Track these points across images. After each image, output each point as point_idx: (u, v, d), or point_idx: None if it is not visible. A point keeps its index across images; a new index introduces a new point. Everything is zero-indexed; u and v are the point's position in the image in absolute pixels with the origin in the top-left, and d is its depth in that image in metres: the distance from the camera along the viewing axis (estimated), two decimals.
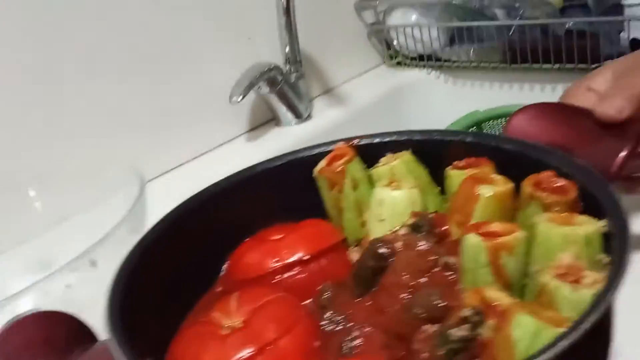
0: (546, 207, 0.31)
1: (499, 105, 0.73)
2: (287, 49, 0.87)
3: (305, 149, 0.44)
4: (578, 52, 0.80)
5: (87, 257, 0.36)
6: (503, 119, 0.73)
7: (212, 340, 0.31)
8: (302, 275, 0.37)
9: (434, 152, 0.41)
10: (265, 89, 0.84)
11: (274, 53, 0.88)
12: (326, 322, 0.34)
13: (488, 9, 0.98)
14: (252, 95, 0.86)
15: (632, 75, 0.40)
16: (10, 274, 0.45)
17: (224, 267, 0.41)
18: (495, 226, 0.30)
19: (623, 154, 0.34)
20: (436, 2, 0.98)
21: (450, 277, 0.31)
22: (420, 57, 1.03)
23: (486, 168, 0.36)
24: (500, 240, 0.29)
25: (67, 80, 0.71)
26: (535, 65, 0.87)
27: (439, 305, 0.29)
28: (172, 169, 0.82)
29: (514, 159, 0.37)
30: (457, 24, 0.97)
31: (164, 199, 0.64)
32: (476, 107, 0.98)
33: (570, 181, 0.32)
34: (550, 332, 0.24)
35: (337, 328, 0.33)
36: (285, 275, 0.37)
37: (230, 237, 0.42)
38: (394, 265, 0.32)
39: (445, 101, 1.04)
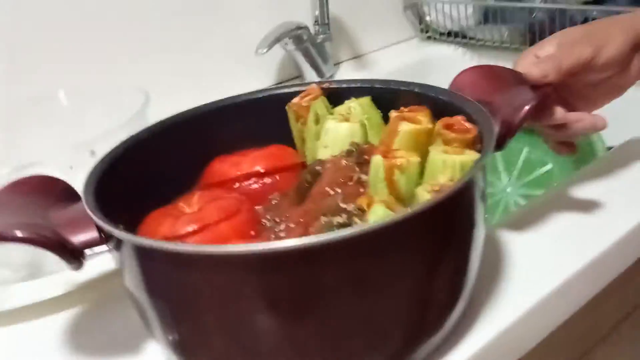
0: (447, 142, 0.38)
1: None
2: (317, 12, 0.94)
3: (285, 86, 0.51)
4: None
5: (89, 146, 0.45)
6: None
7: (169, 218, 0.40)
8: (257, 185, 0.45)
9: (390, 98, 0.48)
10: (291, 45, 0.92)
11: (305, 15, 0.95)
12: (266, 220, 0.42)
13: None
14: (280, 52, 0.94)
15: (570, 47, 0.45)
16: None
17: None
18: (400, 153, 0.37)
19: (526, 107, 0.39)
20: None
21: (360, 190, 0.38)
22: (450, 34, 1.07)
23: (421, 113, 0.43)
24: (394, 160, 0.36)
25: (106, 26, 0.80)
26: None
27: (340, 207, 0.36)
28: None
29: (444, 107, 0.43)
30: (488, 3, 1.00)
31: None
32: None
33: (474, 125, 0.38)
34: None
35: (275, 225, 0.41)
36: (244, 183, 0.45)
37: (213, 154, 0.50)
38: (321, 178, 0.40)
39: None
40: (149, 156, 0.45)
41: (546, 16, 0.91)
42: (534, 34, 0.91)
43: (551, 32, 0.91)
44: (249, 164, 0.45)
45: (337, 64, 1.04)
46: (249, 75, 0.95)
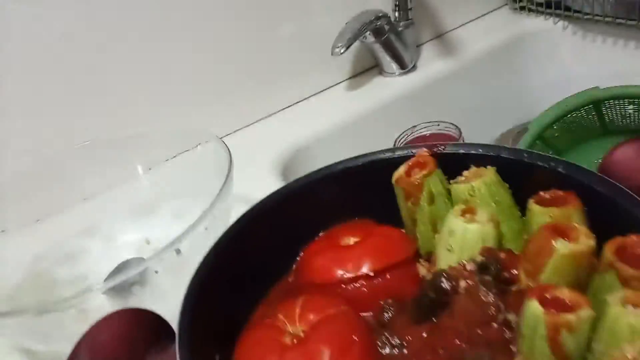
0: (625, 281, 0.29)
1: (620, 76, 0.66)
2: None
3: (387, 150, 0.43)
4: None
5: (174, 246, 0.39)
6: (625, 101, 0.65)
7: (272, 352, 0.34)
8: (366, 289, 0.38)
9: (521, 173, 0.39)
10: (370, 38, 0.82)
11: None
12: (383, 342, 0.35)
13: None
14: (356, 42, 0.84)
15: None
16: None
17: (298, 257, 0.43)
18: (563, 293, 0.29)
19: None
20: None
21: (507, 335, 0.30)
22: (548, 4, 0.93)
23: (572, 210, 0.34)
24: (563, 317, 0.28)
25: (172, 21, 0.73)
26: None
27: None
28: (269, 116, 0.84)
29: (605, 206, 0.34)
30: None
31: (261, 147, 0.66)
32: (604, 67, 0.88)
33: None
34: None
35: (394, 352, 0.35)
36: (350, 286, 0.38)
37: (308, 229, 0.44)
38: (453, 308, 0.33)
39: (570, 57, 0.94)
40: (241, 254, 0.39)
41: None
42: None
43: None
44: (356, 262, 0.38)
45: (418, 45, 0.93)
46: (322, 71, 0.86)
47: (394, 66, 0.87)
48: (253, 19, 0.78)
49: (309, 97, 0.86)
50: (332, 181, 0.43)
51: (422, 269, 0.39)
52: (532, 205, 0.36)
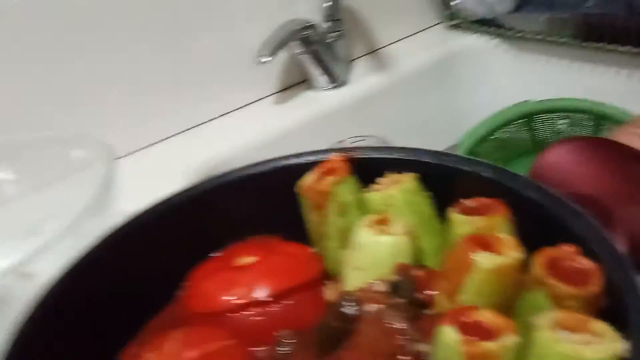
0: (556, 299, 0.24)
1: (553, 94, 0.63)
2: (326, 4, 0.78)
3: (294, 155, 0.37)
4: None
5: (15, 270, 0.31)
6: (556, 115, 0.63)
7: None
8: (262, 317, 0.32)
9: (444, 179, 0.34)
10: (297, 48, 0.77)
11: (313, 9, 0.80)
12: None
13: None
14: (284, 53, 0.79)
15: None
16: None
17: (185, 284, 0.36)
18: (485, 317, 0.23)
19: None
20: None
21: None
22: (482, 22, 0.91)
23: (498, 219, 0.29)
24: (482, 346, 0.22)
25: (82, 33, 0.66)
26: (611, 46, 0.75)
27: None
28: (192, 127, 0.77)
29: (534, 212, 0.29)
30: None
31: (176, 163, 0.60)
32: (537, 86, 0.87)
33: (596, 265, 0.24)
34: None
35: None
36: (240, 315, 0.31)
37: (199, 248, 0.37)
38: (357, 338, 0.26)
39: (504, 75, 0.92)
40: (101, 283, 0.32)
41: (602, 3, 0.75)
42: (589, 26, 0.76)
43: (610, 26, 0.76)
44: (250, 286, 0.32)
45: (349, 61, 0.89)
46: (248, 84, 0.80)
47: (323, 80, 0.82)
48: (170, 29, 0.71)
49: (232, 111, 0.80)
50: (228, 191, 0.37)
51: (329, 293, 0.33)
52: (453, 215, 0.31)
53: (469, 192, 0.32)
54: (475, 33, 0.93)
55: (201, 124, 0.77)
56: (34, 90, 0.64)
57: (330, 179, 0.34)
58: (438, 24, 0.98)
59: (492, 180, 0.31)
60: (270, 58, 0.71)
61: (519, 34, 0.86)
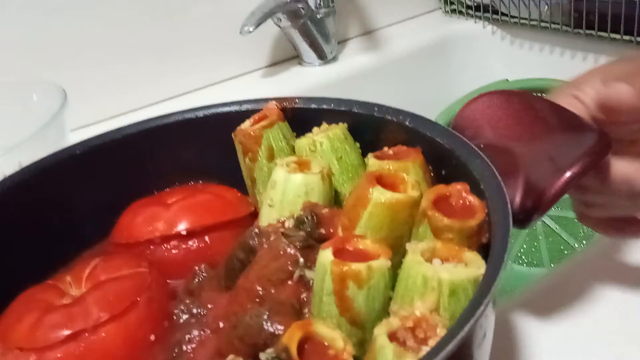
0: (437, 231, 0.24)
1: (533, 76, 0.63)
2: None
3: (233, 102, 0.38)
4: None
5: None
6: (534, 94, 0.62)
7: (34, 311, 0.28)
8: (181, 251, 0.32)
9: (373, 129, 0.34)
10: (285, 22, 0.77)
11: None
12: (181, 310, 0.30)
13: None
14: (274, 28, 0.80)
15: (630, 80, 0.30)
16: None
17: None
18: (367, 245, 0.24)
19: (571, 171, 0.25)
20: None
21: (302, 295, 0.25)
22: (479, 8, 0.90)
23: (409, 164, 0.29)
24: (351, 266, 0.22)
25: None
26: (603, 34, 0.74)
27: (264, 331, 0.23)
28: (177, 96, 0.78)
29: (444, 156, 0.29)
30: None
31: None
32: (531, 71, 0.86)
33: (480, 201, 0.25)
34: None
35: (191, 320, 0.29)
36: (161, 247, 0.32)
37: (136, 188, 0.38)
38: (250, 266, 0.27)
39: (497, 61, 0.92)
40: (42, 199, 0.33)
41: None
42: (581, 13, 0.75)
43: (600, 13, 0.75)
44: (169, 220, 0.33)
45: (342, 41, 0.89)
46: (237, 56, 0.81)
47: (312, 56, 0.82)
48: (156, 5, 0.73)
49: (220, 82, 0.81)
50: (166, 133, 0.37)
51: None
52: (370, 159, 0.31)
53: (394, 141, 0.33)
54: (471, 19, 0.92)
55: (186, 92, 0.79)
56: (9, 44, 0.65)
57: (261, 123, 0.35)
58: (436, 9, 0.98)
59: (412, 129, 0.32)
60: (254, 28, 0.71)
61: (514, 20, 0.86)
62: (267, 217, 0.31)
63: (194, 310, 0.29)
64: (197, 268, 0.32)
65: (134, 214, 0.34)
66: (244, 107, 0.38)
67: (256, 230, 0.29)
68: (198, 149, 0.38)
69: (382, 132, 0.34)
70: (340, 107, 0.35)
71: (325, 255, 0.23)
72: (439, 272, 0.21)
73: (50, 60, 0.67)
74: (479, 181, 0.26)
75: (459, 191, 0.25)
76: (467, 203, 0.25)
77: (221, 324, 0.27)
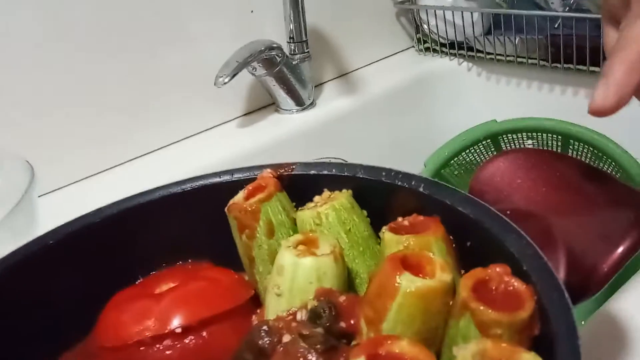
0: (482, 326, 0.21)
1: (524, 116, 0.61)
2: (292, 26, 0.77)
3: (223, 172, 0.35)
4: None
5: None
6: (524, 134, 0.61)
7: None
8: (173, 351, 0.28)
9: (381, 197, 0.31)
10: (261, 70, 0.75)
11: (279, 30, 0.78)
12: None
13: None
14: (250, 76, 0.77)
15: None
16: None
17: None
18: (402, 348, 0.21)
19: (625, 245, 0.23)
20: None
21: None
22: (452, 45, 0.90)
23: (431, 238, 0.26)
24: None
25: (31, 56, 0.63)
26: (581, 67, 0.74)
27: None
28: (151, 152, 0.74)
29: (469, 227, 0.26)
30: (499, 10, 0.83)
31: (139, 184, 0.56)
32: (510, 106, 0.85)
33: (527, 286, 0.22)
34: None
35: None
36: (153, 349, 0.28)
37: (119, 275, 0.34)
38: None
39: (476, 97, 0.91)
40: (11, 300, 0.29)
41: (571, 25, 0.74)
42: (558, 47, 0.75)
43: (577, 46, 0.75)
44: (161, 315, 0.29)
45: (318, 85, 0.87)
46: (212, 107, 0.78)
47: (290, 102, 0.80)
48: (130, 48, 0.69)
49: (197, 133, 0.78)
50: (151, 210, 0.34)
51: (256, 322, 0.30)
52: (385, 234, 0.28)
53: (407, 209, 0.30)
54: (446, 56, 0.92)
55: (160, 147, 0.75)
56: None
57: (258, 196, 0.31)
58: (409, 48, 0.98)
59: (428, 196, 0.29)
60: (229, 79, 0.68)
61: (489, 56, 0.85)
62: (275, 308, 0.27)
63: None
64: None
65: (119, 310, 0.30)
66: (236, 177, 0.34)
67: (265, 327, 0.25)
68: (186, 225, 0.34)
69: (393, 199, 0.31)
70: (344, 172, 0.32)
71: None
72: None
73: (7, 123, 0.62)
74: (519, 261, 0.23)
75: (500, 275, 0.22)
76: (510, 288, 0.22)
77: None
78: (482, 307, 0.21)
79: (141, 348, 0.28)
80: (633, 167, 0.50)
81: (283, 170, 0.33)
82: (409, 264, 0.24)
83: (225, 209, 0.33)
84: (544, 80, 0.82)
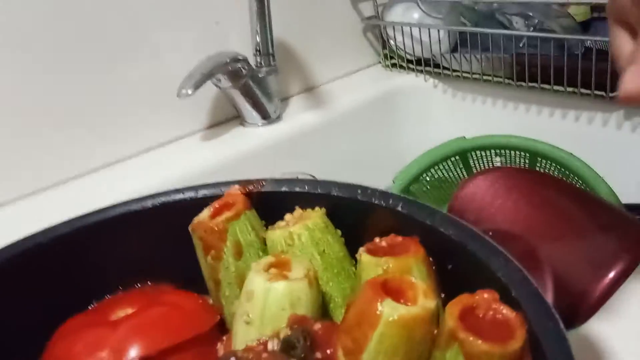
0: (471, 358, 0.19)
1: (490, 133, 0.61)
2: (258, 38, 0.75)
3: (187, 188, 0.32)
4: (596, 75, 0.67)
5: None
6: (492, 151, 0.61)
7: None
8: None
9: (357, 216, 0.30)
10: (226, 82, 0.73)
11: (245, 43, 0.77)
12: None
13: (501, 14, 0.85)
14: (214, 88, 0.75)
15: None
16: None
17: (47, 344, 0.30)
18: None
19: (616, 270, 0.22)
20: (442, 0, 0.85)
21: None
22: (419, 61, 0.90)
23: (411, 260, 0.25)
24: None
25: None
26: (546, 86, 0.74)
27: None
28: (110, 164, 0.71)
29: (452, 251, 0.25)
30: (464, 28, 0.84)
31: (95, 200, 0.53)
32: (475, 125, 0.86)
33: (517, 314, 0.20)
34: None
35: None
36: None
37: (71, 300, 0.31)
38: None
39: (442, 114, 0.91)
40: None
41: (536, 44, 0.75)
42: (523, 66, 0.75)
43: (542, 65, 0.76)
44: (116, 346, 0.26)
45: (284, 99, 0.86)
46: (173, 119, 0.75)
47: (255, 116, 0.78)
48: (90, 59, 0.66)
49: (158, 146, 0.75)
50: (107, 230, 0.31)
51: (222, 350, 0.28)
52: (362, 256, 0.26)
53: (385, 229, 0.28)
54: (412, 72, 0.92)
55: (120, 160, 0.71)
56: None
57: (225, 214, 0.29)
58: (376, 64, 0.97)
59: (406, 216, 0.27)
60: (193, 91, 0.66)
61: (455, 74, 0.86)
62: (243, 337, 0.25)
63: None
64: None
65: (69, 340, 0.27)
66: (201, 194, 0.32)
67: (232, 358, 0.23)
68: (146, 245, 0.32)
69: (368, 219, 0.29)
70: (317, 190, 0.31)
71: None
72: None
73: None
74: (507, 286, 0.21)
75: (488, 301, 0.21)
76: (499, 316, 0.20)
77: None
78: (471, 338, 0.19)
79: None
80: (600, 185, 0.50)
81: (252, 187, 0.31)
82: (390, 288, 0.23)
83: (189, 228, 0.30)
84: (509, 98, 0.82)
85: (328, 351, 0.23)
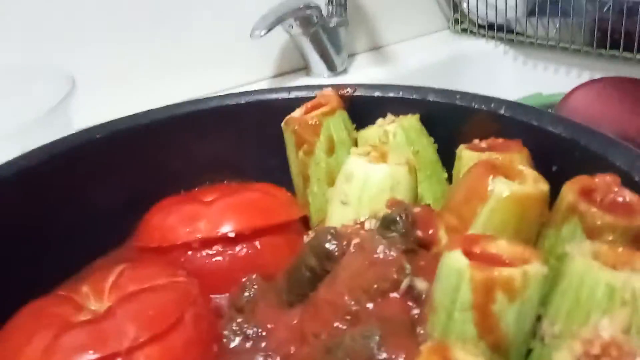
0: (593, 232, 0.19)
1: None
2: None
3: (280, 89, 0.33)
4: None
5: None
6: None
7: (45, 330, 0.21)
8: (224, 258, 0.26)
9: (453, 122, 0.29)
10: (297, 29, 0.73)
11: None
12: (233, 331, 0.23)
13: None
14: (283, 36, 0.75)
15: None
16: None
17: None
18: (502, 247, 0.18)
19: None
20: None
21: (412, 312, 0.19)
22: (491, 27, 0.87)
23: (516, 155, 0.24)
24: (499, 272, 0.17)
25: None
26: (627, 54, 0.71)
27: (375, 358, 0.17)
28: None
29: (562, 149, 0.24)
30: None
31: None
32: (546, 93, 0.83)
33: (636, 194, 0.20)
34: None
35: (245, 345, 0.23)
36: (201, 253, 0.26)
37: (158, 191, 0.31)
38: (336, 274, 0.21)
39: (510, 82, 0.89)
40: (49, 192, 0.27)
41: (622, 9, 0.72)
42: (605, 32, 0.72)
43: (626, 33, 0.73)
44: (212, 219, 0.27)
45: (351, 55, 0.85)
46: (242, 64, 0.76)
47: (322, 67, 0.78)
48: (166, 5, 0.67)
49: (224, 90, 0.75)
50: (201, 121, 0.32)
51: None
52: (463, 151, 0.26)
53: (483, 135, 0.28)
54: (482, 38, 0.90)
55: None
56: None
57: (320, 109, 0.29)
58: (444, 29, 0.95)
59: (509, 118, 0.27)
60: (265, 32, 0.66)
61: (529, 40, 0.83)
62: (339, 217, 0.25)
63: (248, 332, 0.23)
64: (246, 280, 0.25)
65: (165, 213, 0.28)
66: (293, 95, 0.32)
67: (332, 231, 0.23)
68: (235, 141, 0.32)
69: (465, 124, 0.29)
70: (412, 95, 0.30)
71: (456, 258, 0.18)
72: (633, 280, 0.16)
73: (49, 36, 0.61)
74: (629, 173, 0.21)
75: (609, 185, 0.20)
76: (620, 199, 0.20)
77: (293, 349, 0.21)
78: (594, 210, 0.19)
79: (188, 252, 0.26)
80: None
81: (345, 90, 0.31)
82: (498, 170, 0.22)
83: (282, 123, 0.30)
84: (585, 67, 0.79)
85: (429, 231, 0.22)
